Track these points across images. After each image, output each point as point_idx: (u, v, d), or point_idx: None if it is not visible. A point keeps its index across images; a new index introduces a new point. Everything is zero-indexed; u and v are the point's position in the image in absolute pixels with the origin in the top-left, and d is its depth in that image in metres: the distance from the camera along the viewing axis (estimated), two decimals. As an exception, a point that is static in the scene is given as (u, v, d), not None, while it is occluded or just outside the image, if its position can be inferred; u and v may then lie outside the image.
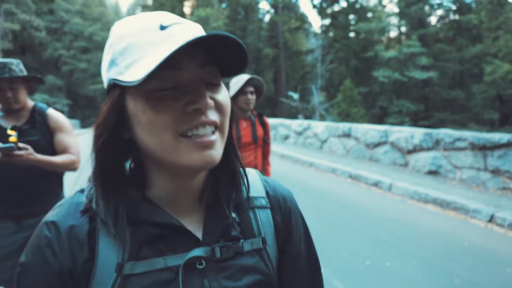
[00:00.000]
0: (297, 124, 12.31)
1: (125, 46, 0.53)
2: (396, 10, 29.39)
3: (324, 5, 30.43)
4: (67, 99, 32.45)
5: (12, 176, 1.90)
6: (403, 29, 30.32)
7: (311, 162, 9.13)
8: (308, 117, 21.80)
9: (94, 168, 0.57)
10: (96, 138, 0.56)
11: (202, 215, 0.63)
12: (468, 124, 24.02)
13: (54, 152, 2.00)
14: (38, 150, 1.86)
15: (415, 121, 24.25)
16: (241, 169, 0.65)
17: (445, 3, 27.79)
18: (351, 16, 28.92)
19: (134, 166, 0.62)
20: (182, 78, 0.53)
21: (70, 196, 0.61)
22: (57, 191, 2.09)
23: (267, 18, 33.01)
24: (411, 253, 3.78)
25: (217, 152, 0.55)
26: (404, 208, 5.57)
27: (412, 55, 23.70)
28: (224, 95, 0.57)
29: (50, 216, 0.58)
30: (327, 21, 30.16)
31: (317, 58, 23.43)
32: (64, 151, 2.01)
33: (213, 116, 0.54)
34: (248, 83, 2.70)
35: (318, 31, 30.54)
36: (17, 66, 1.96)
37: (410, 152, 7.70)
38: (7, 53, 24.35)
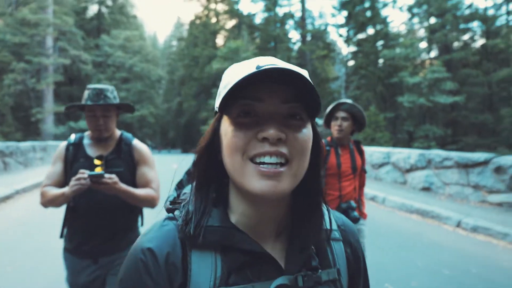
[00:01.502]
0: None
1: (227, 82, 0.62)
2: (423, 35, 30.07)
3: (351, 33, 31.68)
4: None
5: (101, 217, 1.84)
6: (432, 54, 30.74)
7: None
8: (331, 141, 22.54)
9: (196, 186, 0.64)
10: (198, 157, 0.64)
11: (283, 244, 0.65)
12: (498, 147, 23.75)
13: (135, 185, 1.92)
14: (122, 182, 1.79)
15: (443, 146, 24.27)
16: (323, 203, 0.68)
17: (474, 27, 28.16)
18: (379, 42, 29.85)
19: (219, 189, 0.66)
20: (261, 109, 0.58)
21: (160, 223, 0.64)
22: (136, 227, 2.02)
23: (296, 46, 34.61)
24: (382, 245, 4.72)
25: (282, 184, 0.56)
26: (392, 217, 6.39)
27: (437, 81, 24.08)
28: (304, 133, 0.59)
29: (145, 241, 0.60)
30: (353, 48, 31.30)
31: (341, 85, 24.36)
32: (145, 184, 1.92)
33: (281, 148, 0.56)
34: (337, 107, 2.60)
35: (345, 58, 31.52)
36: (112, 93, 1.91)
37: (408, 171, 8.45)
38: (57, 85, 27.20)
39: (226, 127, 0.60)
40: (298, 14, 33.59)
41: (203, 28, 34.88)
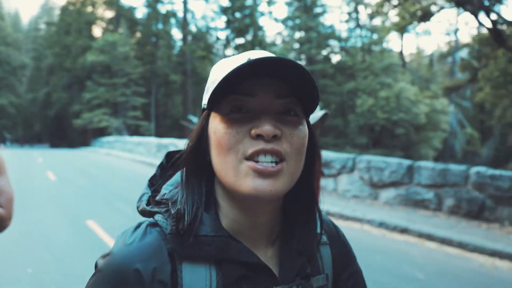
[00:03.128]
0: (183, 144, 14.36)
1: (216, 77, 0.58)
2: (294, 46, 33.92)
3: (230, 37, 33.76)
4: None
5: None
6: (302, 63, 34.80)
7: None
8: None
9: (186, 188, 0.58)
10: (184, 155, 0.59)
11: (275, 251, 0.61)
12: (345, 147, 28.45)
13: None
14: None
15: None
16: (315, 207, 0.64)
17: (332, 45, 33.04)
18: (256, 48, 32.48)
19: (208, 193, 0.59)
20: (255, 105, 0.53)
21: (142, 231, 0.56)
22: None
23: (179, 44, 35.11)
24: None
25: (278, 184, 0.52)
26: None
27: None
28: (300, 130, 0.55)
29: (127, 257, 0.53)
30: (231, 52, 33.39)
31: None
32: None
33: (277, 146, 0.52)
34: (323, 118, 2.54)
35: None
36: None
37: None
38: None
39: (216, 124, 0.55)
40: (180, 14, 34.24)
41: (77, 16, 32.64)
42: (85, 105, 29.13)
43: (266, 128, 0.51)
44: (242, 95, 0.53)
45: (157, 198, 0.61)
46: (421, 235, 5.22)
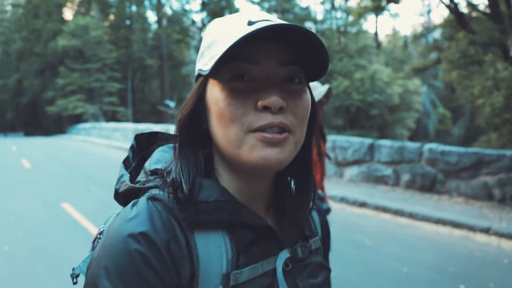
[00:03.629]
0: (159, 129, 14.55)
1: (212, 40, 0.54)
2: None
3: (205, 20, 33.38)
4: None
5: None
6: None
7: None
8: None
9: (180, 155, 0.55)
10: (177, 124, 0.56)
11: (273, 218, 0.62)
12: (322, 129, 28.92)
13: None
14: None
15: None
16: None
17: (309, 27, 33.17)
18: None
19: (205, 162, 0.57)
20: (258, 73, 0.51)
21: (143, 203, 0.51)
22: None
23: (154, 27, 34.46)
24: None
25: (285, 152, 0.51)
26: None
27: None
28: (304, 99, 0.54)
29: (133, 227, 0.48)
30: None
31: (190, 70, 26.05)
32: None
33: (284, 118, 0.51)
34: (328, 94, 2.39)
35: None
36: None
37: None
38: None
39: (217, 93, 0.52)
40: (154, -5, 33.47)
41: (46, -2, 31.49)
42: (59, 91, 28.50)
43: (273, 99, 0.49)
44: (245, 62, 0.51)
45: (147, 170, 0.58)
46: (377, 208, 5.68)
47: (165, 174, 0.55)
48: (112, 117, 29.12)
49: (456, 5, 11.96)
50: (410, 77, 26.74)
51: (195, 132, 0.56)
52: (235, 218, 0.54)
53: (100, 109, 28.52)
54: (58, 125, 31.87)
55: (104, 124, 21.88)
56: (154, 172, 0.57)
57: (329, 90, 2.41)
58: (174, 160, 0.56)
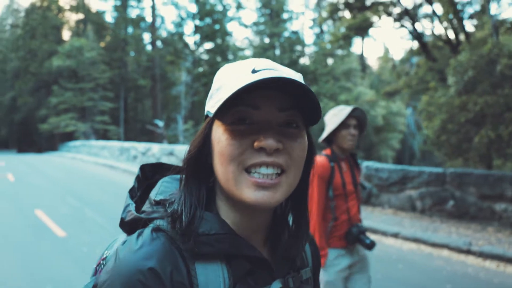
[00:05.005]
0: (142, 147, 15.28)
1: (220, 84, 0.59)
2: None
3: (199, 42, 34.61)
4: None
5: None
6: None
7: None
8: (172, 142, 24.88)
9: (186, 189, 0.59)
10: (185, 160, 0.60)
11: (268, 250, 0.66)
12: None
13: None
14: None
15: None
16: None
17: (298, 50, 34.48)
18: (223, 54, 33.58)
19: (208, 195, 0.62)
20: (258, 117, 0.56)
21: (148, 235, 0.55)
22: None
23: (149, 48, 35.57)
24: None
25: (276, 195, 0.55)
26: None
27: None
28: (300, 142, 0.58)
29: (140, 259, 0.51)
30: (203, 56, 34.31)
31: (180, 90, 27.05)
32: None
33: (278, 158, 0.55)
34: (351, 114, 2.17)
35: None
36: None
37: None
38: None
39: (220, 134, 0.57)
40: (149, 19, 34.79)
41: (43, 19, 32.69)
42: (52, 109, 29.29)
43: (269, 142, 0.53)
44: (247, 107, 0.56)
45: (152, 200, 0.62)
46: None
47: (167, 205, 0.59)
48: (103, 135, 29.84)
49: (418, 34, 13.01)
50: (386, 100, 27.78)
51: (201, 167, 0.60)
52: (234, 249, 0.57)
53: (92, 127, 29.26)
54: (51, 142, 32.49)
55: (93, 142, 22.56)
56: (158, 203, 0.60)
57: (355, 110, 2.14)
58: (179, 191, 0.60)
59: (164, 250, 0.53)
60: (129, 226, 0.61)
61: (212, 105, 0.60)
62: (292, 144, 0.57)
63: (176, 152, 12.83)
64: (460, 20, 11.73)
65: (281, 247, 0.66)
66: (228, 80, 0.58)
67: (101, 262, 0.63)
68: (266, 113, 0.56)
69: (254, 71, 0.56)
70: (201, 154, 0.60)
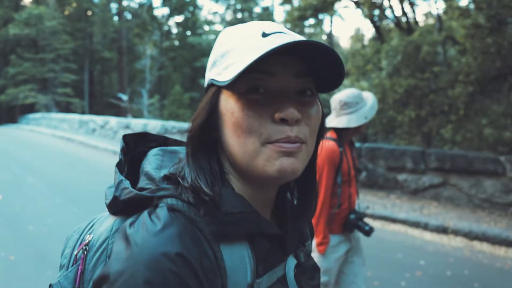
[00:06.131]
0: (101, 120, 15.36)
1: (226, 49, 0.54)
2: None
3: (162, 17, 33.92)
4: None
5: None
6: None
7: (95, 146, 12.36)
8: (136, 116, 24.81)
9: (192, 166, 0.54)
10: (189, 133, 0.56)
11: (276, 223, 0.63)
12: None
13: None
14: None
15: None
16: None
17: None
18: (191, 29, 33.15)
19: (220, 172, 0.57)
20: (274, 84, 0.52)
21: (167, 216, 0.49)
22: None
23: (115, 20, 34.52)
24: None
25: (299, 161, 0.52)
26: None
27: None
28: (316, 110, 0.55)
29: (165, 244, 0.45)
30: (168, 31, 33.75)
31: (145, 64, 26.80)
32: None
33: (299, 131, 0.52)
34: None
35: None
36: None
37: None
38: None
39: (232, 104, 0.52)
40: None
41: (-2, -16, 30.97)
42: (10, 80, 28.27)
43: (290, 111, 0.50)
44: (262, 74, 0.51)
45: (153, 176, 0.56)
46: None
47: (180, 180, 0.53)
48: (66, 108, 29.22)
49: (373, 16, 13.55)
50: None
51: (206, 141, 0.56)
52: (258, 228, 0.54)
53: (53, 100, 28.58)
54: (10, 114, 31.51)
55: (53, 115, 22.19)
56: (168, 178, 0.55)
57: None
58: (187, 166, 0.55)
59: (188, 233, 0.48)
60: (125, 205, 0.55)
61: (218, 73, 0.55)
62: (309, 113, 0.54)
63: (132, 126, 13.07)
64: (411, 5, 12.33)
65: (289, 219, 0.63)
66: (237, 44, 0.54)
67: (84, 247, 0.56)
68: (282, 80, 0.53)
69: (264, 35, 0.53)
70: (207, 127, 0.56)
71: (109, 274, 0.45)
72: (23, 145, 13.24)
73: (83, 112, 27.80)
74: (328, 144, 2.04)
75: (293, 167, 0.52)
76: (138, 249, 0.45)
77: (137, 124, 12.86)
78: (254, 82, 0.52)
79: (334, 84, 0.57)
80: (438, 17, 10.75)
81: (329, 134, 2.12)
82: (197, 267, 0.46)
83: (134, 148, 0.66)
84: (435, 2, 11.11)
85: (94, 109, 31.04)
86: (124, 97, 24.04)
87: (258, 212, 0.55)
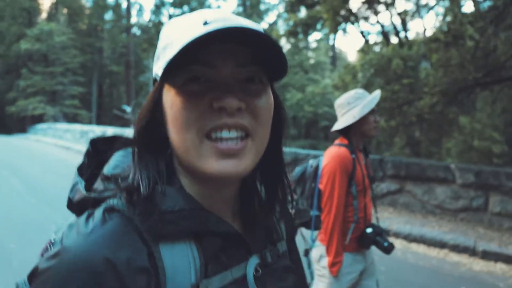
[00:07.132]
0: (100, 130, 16.00)
1: (167, 42, 0.52)
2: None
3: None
4: None
5: None
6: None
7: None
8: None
9: (139, 164, 0.52)
10: (135, 129, 0.54)
11: (240, 223, 0.60)
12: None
13: None
14: None
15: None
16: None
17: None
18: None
19: (167, 168, 0.55)
20: (214, 75, 0.49)
21: (99, 217, 0.48)
22: None
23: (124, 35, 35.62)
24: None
25: (244, 162, 0.50)
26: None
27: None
28: (265, 100, 0.52)
29: (88, 246, 0.44)
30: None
31: (149, 77, 27.63)
32: None
33: (242, 119, 0.49)
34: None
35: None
36: None
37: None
38: None
39: (172, 98, 0.50)
40: (125, 5, 34.80)
41: (11, 2, 32.43)
42: (20, 92, 29.39)
43: (229, 100, 0.47)
44: (200, 65, 0.49)
45: (102, 177, 0.55)
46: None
47: (120, 179, 0.52)
48: (73, 119, 30.13)
49: (362, 31, 13.91)
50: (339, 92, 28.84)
51: (154, 138, 0.53)
52: (202, 226, 0.52)
53: (61, 111, 29.54)
54: (21, 125, 32.61)
55: (58, 125, 22.97)
56: (109, 178, 0.54)
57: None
58: (133, 166, 0.53)
59: (119, 234, 0.47)
60: (78, 206, 0.54)
61: (160, 67, 0.53)
62: (256, 102, 0.51)
63: (126, 135, 13.55)
64: (403, 22, 12.69)
65: (254, 218, 0.61)
66: (177, 36, 0.51)
67: (48, 246, 0.54)
68: (223, 70, 0.50)
69: (205, 23, 0.49)
70: (152, 123, 0.53)
71: (37, 267, 0.46)
72: (19, 153, 13.79)
73: (90, 123, 28.64)
74: (339, 151, 1.90)
75: (236, 169, 0.50)
76: (64, 251, 0.44)
77: (131, 133, 13.33)
78: (192, 74, 0.50)
79: (281, 71, 0.54)
80: (424, 31, 11.02)
81: (339, 141, 1.99)
82: (122, 269, 0.44)
83: (106, 151, 0.63)
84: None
85: (103, 121, 31.92)
86: (128, 109, 24.76)
87: (205, 210, 0.53)
